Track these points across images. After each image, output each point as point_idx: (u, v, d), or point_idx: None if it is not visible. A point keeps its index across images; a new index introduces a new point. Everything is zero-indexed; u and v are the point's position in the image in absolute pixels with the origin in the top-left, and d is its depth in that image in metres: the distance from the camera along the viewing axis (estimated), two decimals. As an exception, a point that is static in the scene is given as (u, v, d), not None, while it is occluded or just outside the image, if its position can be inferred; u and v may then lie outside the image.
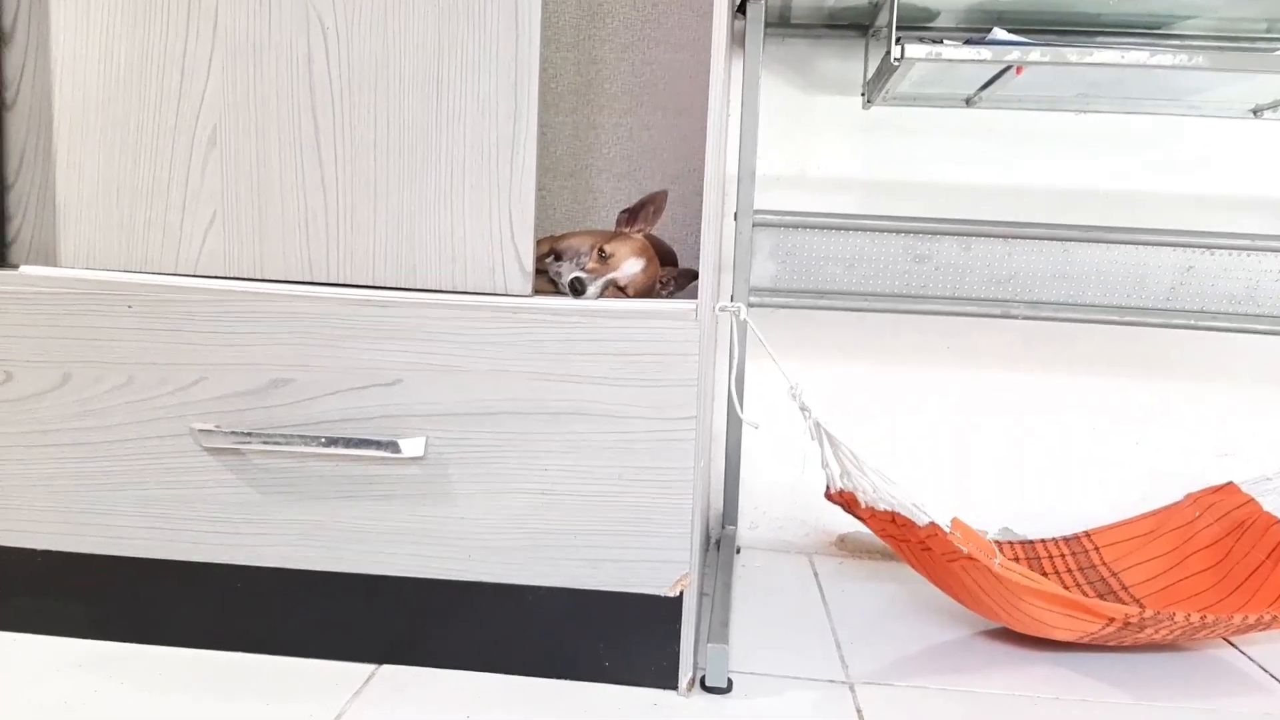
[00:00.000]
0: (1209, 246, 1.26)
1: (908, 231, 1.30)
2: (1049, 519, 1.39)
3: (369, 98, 0.94)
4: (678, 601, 0.94)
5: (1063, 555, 1.31)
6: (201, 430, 0.95)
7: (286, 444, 0.95)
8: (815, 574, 1.34)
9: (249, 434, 0.95)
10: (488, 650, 0.97)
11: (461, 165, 0.94)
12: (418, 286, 0.96)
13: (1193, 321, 1.27)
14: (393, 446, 0.93)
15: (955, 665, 1.04)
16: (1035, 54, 1.04)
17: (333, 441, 0.94)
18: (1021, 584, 0.97)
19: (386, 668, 0.97)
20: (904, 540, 1.09)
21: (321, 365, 0.95)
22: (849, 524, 1.41)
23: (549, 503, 0.94)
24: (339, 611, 0.98)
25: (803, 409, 1.04)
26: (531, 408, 0.93)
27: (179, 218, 0.97)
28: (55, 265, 0.99)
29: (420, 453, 0.94)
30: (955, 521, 0.98)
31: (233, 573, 0.98)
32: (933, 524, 0.98)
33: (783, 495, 1.45)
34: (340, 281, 0.97)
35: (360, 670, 0.97)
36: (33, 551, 1.00)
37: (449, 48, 0.93)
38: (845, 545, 1.45)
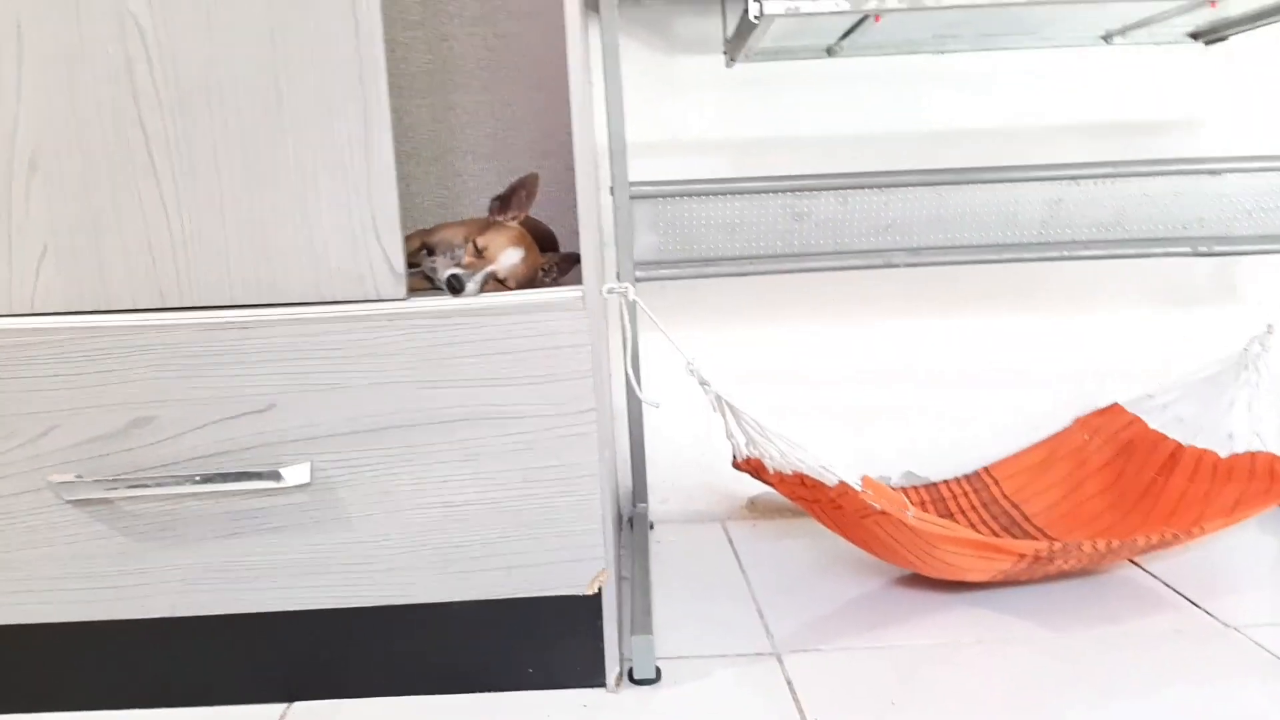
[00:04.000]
0: (1075, 178, 1.29)
1: (785, 190, 1.29)
2: (949, 458, 1.42)
3: (202, 104, 0.86)
4: (597, 598, 0.91)
5: (965, 494, 1.33)
6: (61, 483, 0.87)
7: (157, 486, 0.87)
8: (730, 540, 1.34)
9: (114, 480, 0.87)
10: (405, 673, 0.93)
11: (313, 168, 0.87)
12: (280, 302, 0.89)
13: (1065, 253, 1.30)
14: (274, 476, 0.87)
15: (876, 620, 1.05)
16: (892, 1, 1.03)
17: (208, 478, 0.87)
18: (937, 533, 0.98)
19: (299, 705, 0.92)
20: (815, 501, 1.08)
21: (184, 398, 0.88)
22: (758, 486, 1.41)
23: (452, 514, 0.90)
24: (239, 654, 0.92)
25: (702, 383, 1.02)
26: (421, 418, 0.88)
27: (6, 254, 0.88)
28: None
29: (306, 479, 0.88)
30: (865, 479, 0.97)
31: (118, 628, 0.91)
32: (842, 483, 0.97)
33: (691, 466, 1.43)
34: (195, 305, 0.89)
35: (271, 712, 0.91)
36: (-117, 637, 0.91)
37: (282, 43, 0.86)
38: (756, 508, 1.45)
